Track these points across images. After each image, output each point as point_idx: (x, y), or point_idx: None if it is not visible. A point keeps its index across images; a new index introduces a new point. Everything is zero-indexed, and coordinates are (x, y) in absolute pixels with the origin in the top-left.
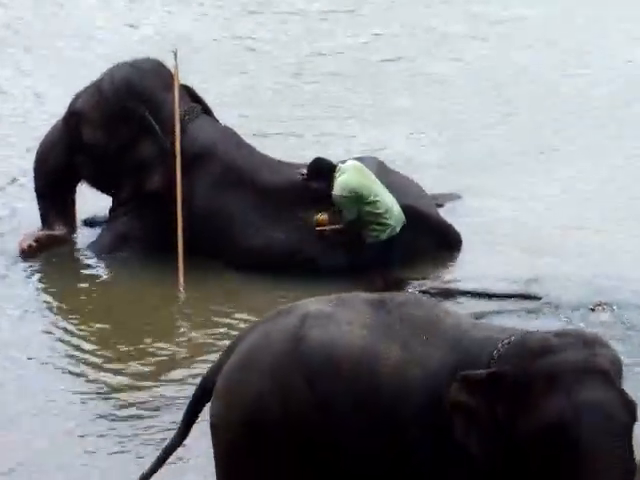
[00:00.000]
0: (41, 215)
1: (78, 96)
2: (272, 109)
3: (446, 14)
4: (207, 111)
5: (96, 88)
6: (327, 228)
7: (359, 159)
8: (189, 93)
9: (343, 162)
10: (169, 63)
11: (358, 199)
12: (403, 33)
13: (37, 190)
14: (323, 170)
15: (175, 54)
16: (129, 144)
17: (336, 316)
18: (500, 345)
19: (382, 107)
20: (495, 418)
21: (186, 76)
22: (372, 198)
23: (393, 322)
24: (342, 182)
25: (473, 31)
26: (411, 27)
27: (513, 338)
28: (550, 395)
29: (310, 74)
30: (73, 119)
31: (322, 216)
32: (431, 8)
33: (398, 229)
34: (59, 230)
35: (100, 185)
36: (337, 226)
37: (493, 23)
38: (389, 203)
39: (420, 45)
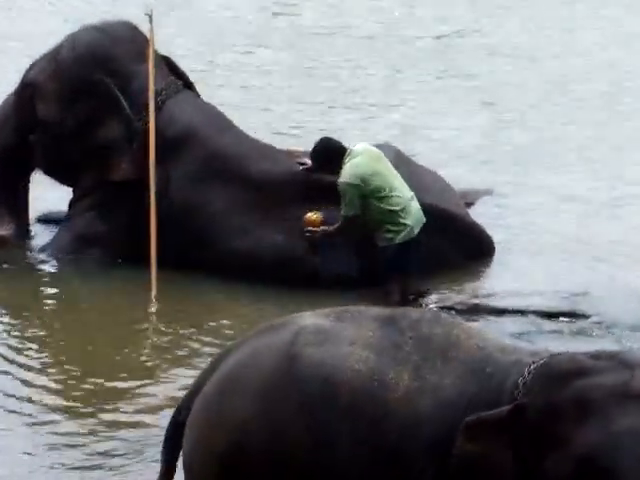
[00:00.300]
0: None
1: (34, 64)
2: (276, 89)
3: None
4: (189, 87)
5: (54, 55)
6: (319, 229)
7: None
8: (168, 65)
9: (354, 145)
10: (144, 28)
11: (371, 191)
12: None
13: None
14: (331, 153)
15: (150, 17)
16: (91, 123)
17: (336, 333)
18: (527, 370)
19: (404, 84)
20: (521, 459)
21: (167, 43)
22: (387, 192)
23: (404, 343)
24: (351, 167)
25: None
26: None
27: (542, 361)
28: (584, 424)
29: (326, 45)
30: (26, 91)
31: (315, 215)
32: None
33: (416, 231)
34: (7, 229)
35: (57, 173)
36: (331, 227)
37: None
38: (407, 199)
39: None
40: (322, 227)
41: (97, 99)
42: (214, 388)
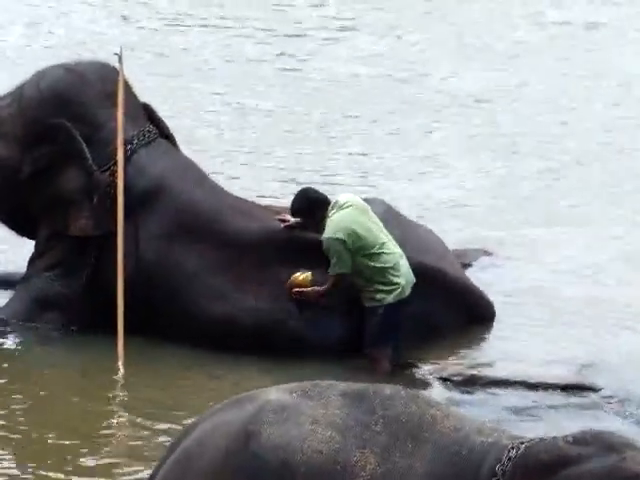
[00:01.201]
0: None
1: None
2: (262, 138)
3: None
4: (167, 137)
5: (18, 94)
6: (308, 289)
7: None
8: (147, 112)
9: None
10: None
11: (360, 247)
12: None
13: None
14: (312, 205)
15: (120, 57)
16: (50, 170)
17: (299, 410)
18: (505, 456)
19: (401, 132)
20: None
21: (148, 88)
22: (377, 248)
23: (373, 423)
24: (337, 221)
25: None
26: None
27: (523, 446)
28: None
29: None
30: None
31: (303, 275)
32: None
33: (408, 291)
34: None
35: (14, 223)
36: (321, 287)
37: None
38: (397, 256)
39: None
40: (313, 287)
41: (57, 145)
42: (170, 467)
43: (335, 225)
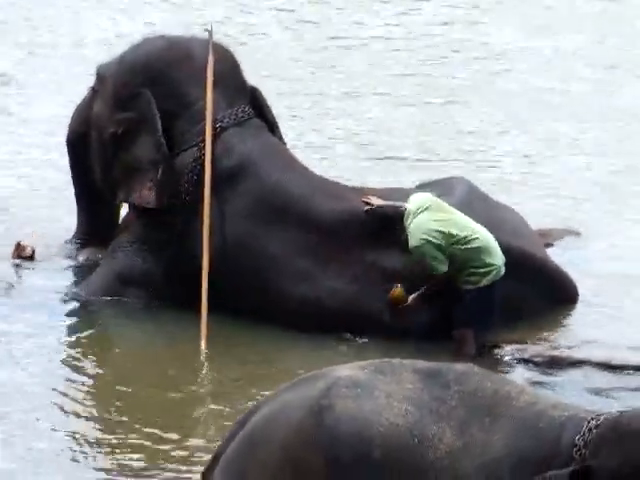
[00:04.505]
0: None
1: (111, 60)
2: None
3: None
4: (269, 123)
5: (121, 56)
6: (410, 303)
7: (443, 181)
8: (252, 94)
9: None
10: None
11: (447, 239)
12: None
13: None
14: (386, 220)
15: (210, 33)
16: (126, 137)
17: (372, 385)
18: (586, 427)
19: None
20: None
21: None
22: (466, 234)
23: (449, 397)
24: (417, 228)
25: None
26: None
27: (603, 418)
28: None
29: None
30: (95, 84)
31: (397, 290)
32: None
33: (504, 269)
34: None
35: (100, 183)
36: (418, 293)
37: None
38: (487, 237)
39: None
40: (410, 297)
41: (136, 113)
42: (240, 442)
43: (416, 233)
